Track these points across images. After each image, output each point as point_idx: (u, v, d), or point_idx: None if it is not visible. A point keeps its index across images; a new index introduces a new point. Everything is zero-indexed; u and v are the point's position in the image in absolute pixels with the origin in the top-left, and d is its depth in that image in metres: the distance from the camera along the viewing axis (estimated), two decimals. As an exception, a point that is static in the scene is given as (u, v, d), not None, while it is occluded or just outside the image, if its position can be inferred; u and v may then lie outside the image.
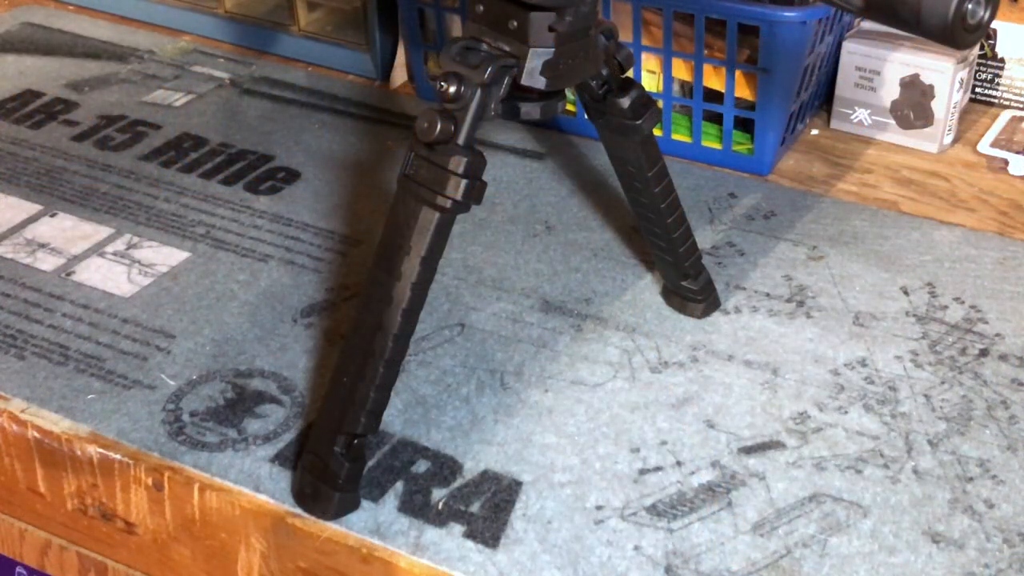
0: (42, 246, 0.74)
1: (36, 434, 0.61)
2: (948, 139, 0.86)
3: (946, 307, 0.69)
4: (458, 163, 0.52)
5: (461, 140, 0.52)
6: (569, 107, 0.87)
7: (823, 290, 0.70)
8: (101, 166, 0.83)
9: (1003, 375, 0.64)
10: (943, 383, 0.63)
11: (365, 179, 0.81)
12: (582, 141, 0.86)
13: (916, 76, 0.84)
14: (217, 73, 0.96)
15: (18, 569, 0.69)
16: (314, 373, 0.64)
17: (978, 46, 0.89)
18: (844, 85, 0.87)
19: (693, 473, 0.58)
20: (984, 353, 0.65)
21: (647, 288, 0.71)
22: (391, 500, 0.56)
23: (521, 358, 0.65)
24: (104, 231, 0.76)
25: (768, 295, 0.70)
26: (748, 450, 0.59)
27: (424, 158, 0.52)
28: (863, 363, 0.65)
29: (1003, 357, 0.65)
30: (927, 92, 0.84)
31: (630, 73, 0.61)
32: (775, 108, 0.80)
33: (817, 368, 0.64)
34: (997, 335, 0.67)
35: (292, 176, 0.82)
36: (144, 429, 0.60)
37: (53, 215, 0.77)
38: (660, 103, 0.82)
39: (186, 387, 0.63)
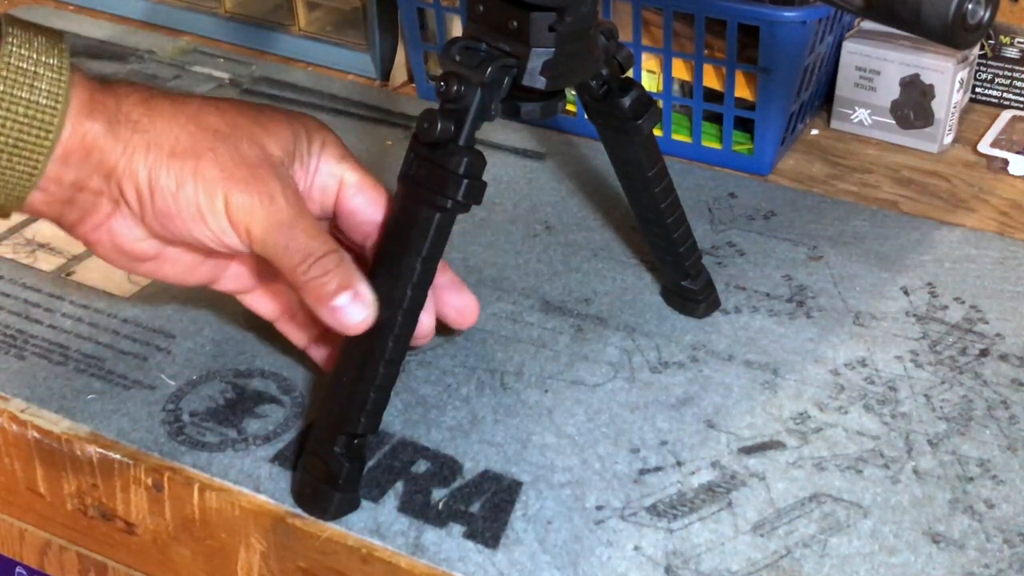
0: (42, 246, 0.74)
1: (36, 434, 0.61)
2: (948, 139, 0.86)
3: (946, 307, 0.69)
4: (458, 163, 0.52)
5: (461, 140, 0.52)
6: (569, 107, 0.87)
7: (823, 290, 0.70)
8: (101, 166, 0.82)
9: (1003, 375, 0.64)
10: (943, 383, 0.63)
11: (365, 179, 0.81)
12: (582, 141, 0.86)
13: (916, 76, 0.84)
14: (217, 73, 0.96)
15: (18, 569, 0.69)
16: (314, 373, 0.64)
17: (978, 46, 0.89)
18: (844, 85, 0.87)
19: (693, 473, 0.58)
20: (984, 353, 0.65)
21: (647, 288, 0.71)
22: (391, 500, 0.56)
23: (521, 358, 0.65)
24: (104, 231, 0.76)
25: (768, 295, 0.70)
26: (748, 450, 0.59)
27: (424, 158, 0.52)
28: (863, 363, 0.65)
29: (1003, 357, 0.65)
30: (927, 92, 0.84)
31: (630, 73, 0.61)
32: (775, 108, 0.80)
33: (817, 368, 0.64)
34: (997, 335, 0.67)
35: (292, 176, 0.82)
36: (144, 429, 0.60)
37: (53, 215, 0.77)
38: (660, 103, 0.82)
39: (186, 387, 0.63)
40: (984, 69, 0.91)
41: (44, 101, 0.48)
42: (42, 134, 0.48)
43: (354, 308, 0.52)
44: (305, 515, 0.55)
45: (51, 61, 0.48)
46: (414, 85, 0.94)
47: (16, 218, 0.77)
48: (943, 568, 0.53)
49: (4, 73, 0.47)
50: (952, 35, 0.43)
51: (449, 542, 0.54)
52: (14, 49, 0.48)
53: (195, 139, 0.50)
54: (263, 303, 0.60)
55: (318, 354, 0.61)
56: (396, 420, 0.60)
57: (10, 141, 0.47)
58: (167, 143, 0.50)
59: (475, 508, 0.56)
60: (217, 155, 0.50)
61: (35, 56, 0.48)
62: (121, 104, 0.50)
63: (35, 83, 0.48)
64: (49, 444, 0.60)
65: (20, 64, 0.47)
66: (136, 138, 0.50)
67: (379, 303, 0.53)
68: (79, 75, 0.49)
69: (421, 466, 0.58)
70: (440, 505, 0.56)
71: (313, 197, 0.55)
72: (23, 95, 0.47)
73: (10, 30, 0.48)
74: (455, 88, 0.52)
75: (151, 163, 0.50)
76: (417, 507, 0.56)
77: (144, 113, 0.50)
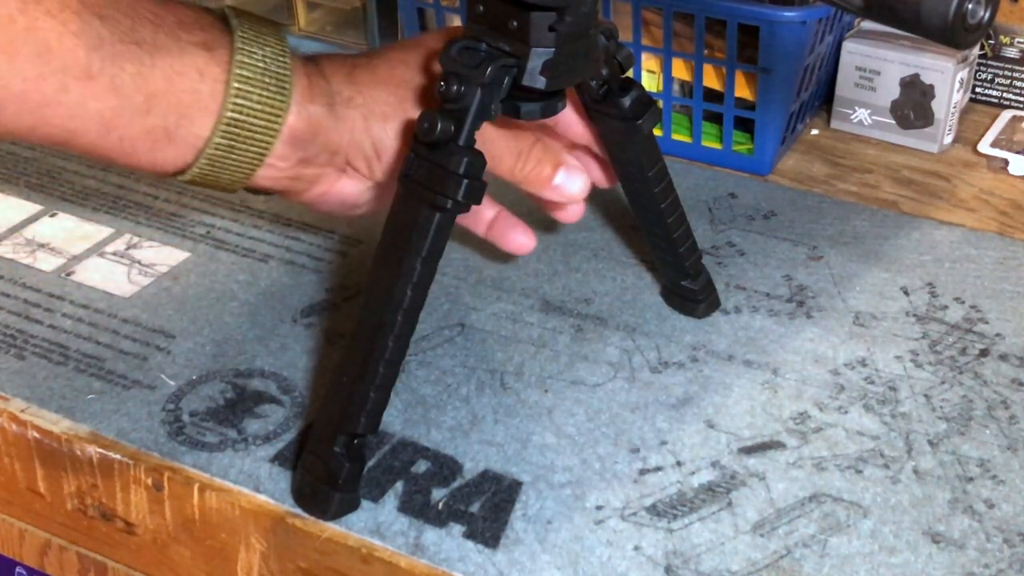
0: (42, 246, 0.74)
1: (36, 434, 0.61)
2: (948, 139, 0.86)
3: (946, 307, 0.69)
4: (458, 163, 0.52)
5: (461, 140, 0.52)
6: (569, 107, 0.87)
7: (823, 290, 0.70)
8: (101, 166, 0.83)
9: (1003, 375, 0.64)
10: (943, 383, 0.63)
11: (365, 179, 0.81)
12: (582, 141, 0.86)
13: (916, 76, 0.84)
14: (217, 73, 0.96)
15: (18, 569, 0.69)
16: (314, 373, 0.64)
17: (978, 46, 0.89)
18: (844, 85, 0.87)
19: (693, 473, 0.58)
20: (984, 353, 0.65)
21: (647, 288, 0.71)
22: (391, 500, 0.56)
23: (521, 358, 0.65)
24: (104, 231, 0.76)
25: (768, 295, 0.70)
26: (748, 450, 0.59)
27: (424, 158, 0.52)
28: (863, 363, 0.65)
29: (1003, 357, 0.65)
30: (927, 92, 0.84)
31: (630, 73, 0.61)
32: (775, 108, 0.80)
33: (817, 368, 0.64)
34: (997, 335, 0.67)
35: (292, 176, 0.82)
36: (144, 429, 0.60)
37: (53, 215, 0.77)
38: (660, 103, 0.82)
39: (186, 387, 0.63)
40: (984, 69, 0.91)
41: (273, 89, 0.53)
42: (272, 119, 0.53)
43: (572, 180, 0.59)
44: (305, 515, 0.55)
45: (277, 52, 0.54)
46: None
47: (16, 218, 0.77)
48: (943, 568, 0.53)
49: (239, 71, 0.52)
50: (952, 35, 0.43)
51: (449, 542, 0.54)
52: (244, 46, 0.53)
53: (397, 97, 0.57)
54: None
55: (495, 233, 0.64)
56: (396, 420, 0.60)
57: (246, 126, 0.53)
58: (379, 109, 0.56)
59: (475, 508, 0.56)
60: (420, 104, 0.57)
61: (263, 49, 0.53)
62: (332, 84, 0.56)
63: (265, 75, 0.53)
64: (49, 444, 0.60)
65: (252, 60, 0.53)
66: (353, 113, 0.56)
67: (381, 305, 0.53)
68: (297, 61, 0.55)
69: (421, 466, 0.58)
70: (440, 505, 0.56)
71: None
72: (255, 88, 0.53)
73: (239, 24, 0.53)
74: (455, 88, 0.52)
75: (372, 131, 0.56)
76: (417, 507, 0.56)
77: (354, 90, 0.56)
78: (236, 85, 0.52)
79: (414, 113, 0.56)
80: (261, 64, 0.53)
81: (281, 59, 0.54)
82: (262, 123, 0.53)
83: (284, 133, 0.54)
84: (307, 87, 0.54)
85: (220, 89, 0.52)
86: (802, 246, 0.75)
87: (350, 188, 0.59)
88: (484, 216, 0.63)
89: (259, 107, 0.53)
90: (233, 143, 0.53)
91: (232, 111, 0.52)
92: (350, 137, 0.56)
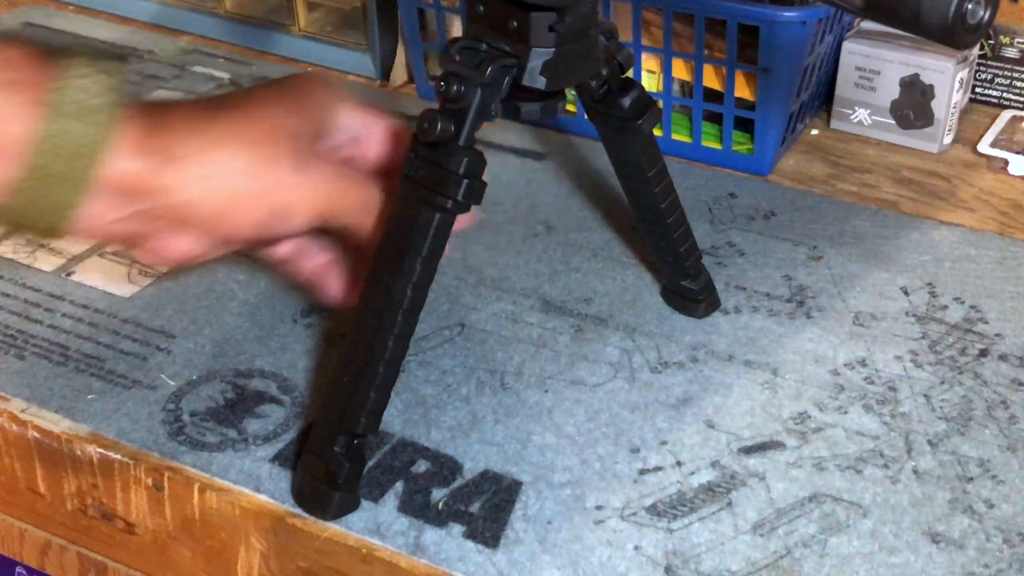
0: (42, 246, 0.74)
1: (36, 434, 0.61)
2: (948, 139, 0.86)
3: (946, 307, 0.69)
4: (458, 163, 0.52)
5: (461, 140, 0.52)
6: (569, 107, 0.87)
7: (823, 290, 0.70)
8: (101, 166, 0.82)
9: (1003, 375, 0.64)
10: (943, 383, 0.63)
11: (365, 179, 0.81)
12: (582, 141, 0.86)
13: (916, 76, 0.84)
14: (217, 73, 0.96)
15: (18, 569, 0.69)
16: (314, 373, 0.64)
17: (978, 46, 0.89)
18: (844, 85, 0.87)
19: (693, 473, 0.58)
20: (984, 353, 0.65)
21: (647, 288, 0.71)
22: (391, 500, 0.56)
23: (521, 358, 0.65)
24: (104, 231, 0.76)
25: (768, 295, 0.70)
26: (748, 450, 0.59)
27: (424, 158, 0.52)
28: (863, 363, 0.65)
29: (1003, 357, 0.65)
30: (927, 92, 0.84)
31: (630, 73, 0.61)
32: (775, 108, 0.80)
33: (817, 368, 0.64)
34: (997, 335, 0.67)
35: (292, 176, 0.82)
36: (144, 429, 0.60)
37: (53, 215, 0.77)
38: (660, 103, 0.82)
39: (186, 387, 0.63)
40: (984, 69, 0.91)
41: (91, 139, 0.49)
42: (83, 171, 0.49)
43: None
44: (305, 515, 0.56)
45: (108, 101, 0.49)
46: (414, 85, 0.94)
47: (16, 218, 0.77)
48: (943, 568, 0.53)
49: (52, 116, 0.48)
50: (952, 35, 0.43)
51: (449, 542, 0.54)
52: (65, 90, 0.49)
53: (251, 159, 0.52)
54: (282, 250, 0.61)
55: (320, 277, 0.61)
56: (396, 420, 0.60)
57: (54, 174, 0.49)
58: (227, 169, 0.52)
59: (475, 508, 0.56)
60: (277, 164, 0.53)
61: (89, 94, 0.49)
62: (175, 144, 0.51)
63: (83, 123, 0.49)
64: (49, 444, 0.60)
65: (69, 107, 0.49)
66: (190, 174, 0.51)
67: (381, 305, 0.53)
68: (136, 110, 0.51)
69: (421, 466, 0.58)
70: (440, 505, 0.56)
71: (342, 147, 0.58)
72: (68, 136, 0.49)
73: (68, 66, 0.49)
74: (455, 88, 0.52)
75: (214, 194, 0.52)
76: (417, 507, 0.56)
77: (201, 147, 0.52)
78: (44, 129, 0.48)
79: (267, 177, 0.52)
80: (78, 113, 0.49)
81: (111, 107, 0.49)
82: (74, 173, 0.49)
83: (100, 187, 0.49)
84: (138, 141, 0.50)
85: (29, 133, 0.48)
86: (802, 246, 0.75)
87: (183, 245, 0.54)
88: (316, 258, 0.60)
89: (71, 156, 0.49)
90: (38, 191, 0.49)
91: (38, 157, 0.48)
92: (187, 197, 0.51)
